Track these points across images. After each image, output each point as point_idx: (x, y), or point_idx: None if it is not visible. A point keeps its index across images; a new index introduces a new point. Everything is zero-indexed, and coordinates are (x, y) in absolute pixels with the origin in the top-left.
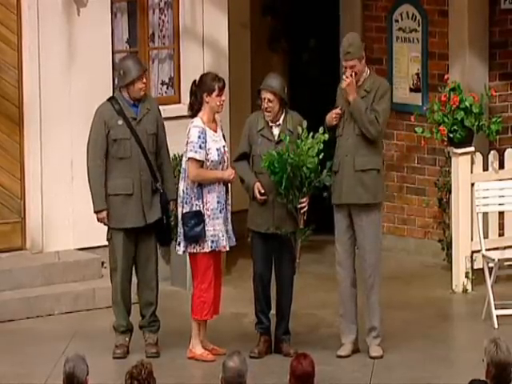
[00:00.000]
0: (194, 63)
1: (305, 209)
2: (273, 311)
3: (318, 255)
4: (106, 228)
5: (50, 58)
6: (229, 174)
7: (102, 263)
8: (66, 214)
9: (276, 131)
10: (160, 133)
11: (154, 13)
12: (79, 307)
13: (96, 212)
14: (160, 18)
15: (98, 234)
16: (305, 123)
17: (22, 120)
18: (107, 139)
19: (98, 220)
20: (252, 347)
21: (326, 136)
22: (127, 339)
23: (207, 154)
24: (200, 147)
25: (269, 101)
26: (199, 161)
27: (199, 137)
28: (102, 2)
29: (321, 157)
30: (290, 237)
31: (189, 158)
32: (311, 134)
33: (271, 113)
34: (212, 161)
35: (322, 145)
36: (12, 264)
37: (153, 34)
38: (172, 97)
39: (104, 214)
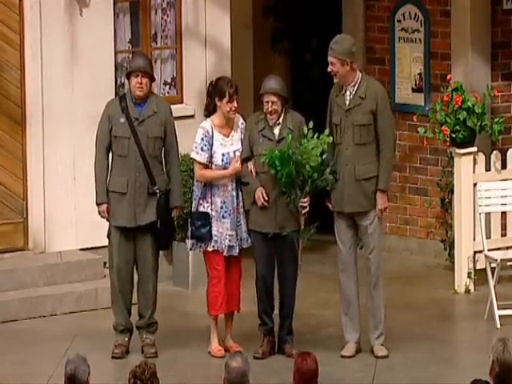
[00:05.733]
0: (197, 63)
1: (306, 209)
2: (276, 311)
3: (320, 256)
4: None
5: (52, 58)
6: (232, 169)
7: (105, 263)
8: (69, 214)
9: (277, 131)
10: (169, 138)
11: (156, 13)
12: (81, 307)
13: (96, 205)
14: (162, 18)
15: (101, 234)
16: (311, 124)
17: (25, 120)
18: (110, 135)
19: (99, 213)
20: (254, 347)
21: (331, 138)
22: (126, 339)
23: (211, 157)
24: (202, 149)
25: (273, 103)
26: (202, 162)
27: (202, 139)
28: (104, 2)
29: (324, 157)
30: (293, 237)
31: (193, 159)
32: (316, 134)
33: (276, 114)
34: (216, 165)
35: (326, 146)
36: (14, 264)
37: (155, 34)
38: (174, 97)
39: (104, 207)
